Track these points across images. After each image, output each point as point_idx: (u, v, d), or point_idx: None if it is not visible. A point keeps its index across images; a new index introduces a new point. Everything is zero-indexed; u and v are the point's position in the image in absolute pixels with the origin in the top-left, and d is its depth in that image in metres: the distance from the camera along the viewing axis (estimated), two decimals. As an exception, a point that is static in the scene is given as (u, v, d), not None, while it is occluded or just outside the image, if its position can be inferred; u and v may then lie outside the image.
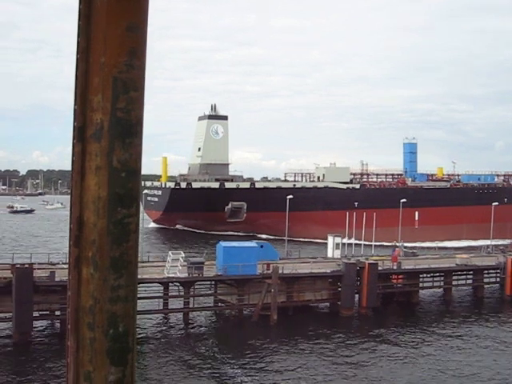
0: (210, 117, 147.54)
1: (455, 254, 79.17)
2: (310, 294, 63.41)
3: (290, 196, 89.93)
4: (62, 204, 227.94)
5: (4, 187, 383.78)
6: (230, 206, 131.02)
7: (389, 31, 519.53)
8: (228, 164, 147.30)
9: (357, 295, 63.68)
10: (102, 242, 2.61)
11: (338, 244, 77.24)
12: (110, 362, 2.65)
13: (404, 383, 43.25)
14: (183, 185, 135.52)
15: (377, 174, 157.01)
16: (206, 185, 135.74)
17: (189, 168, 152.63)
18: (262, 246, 66.03)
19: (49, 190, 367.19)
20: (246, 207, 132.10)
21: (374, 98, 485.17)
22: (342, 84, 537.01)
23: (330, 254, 76.18)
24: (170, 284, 59.28)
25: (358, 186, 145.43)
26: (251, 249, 61.75)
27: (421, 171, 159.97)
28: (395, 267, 68.80)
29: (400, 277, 70.40)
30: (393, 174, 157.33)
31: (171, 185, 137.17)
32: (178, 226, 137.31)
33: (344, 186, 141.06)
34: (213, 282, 62.19)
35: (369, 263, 64.60)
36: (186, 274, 58.46)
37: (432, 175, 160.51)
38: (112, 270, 2.62)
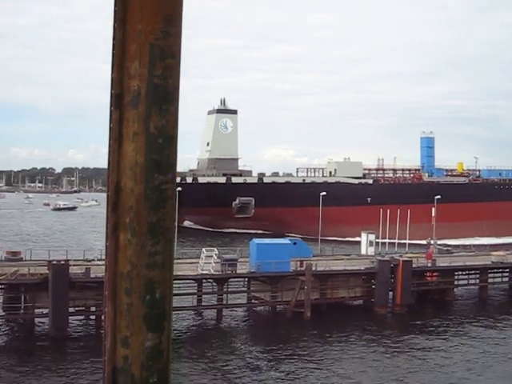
0: (219, 111, 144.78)
1: (491, 252, 78.15)
2: (343, 291, 63.18)
3: (324, 193, 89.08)
4: (96, 201, 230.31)
5: (40, 185, 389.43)
6: (237, 201, 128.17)
7: (424, 25, 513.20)
8: (237, 159, 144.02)
9: (391, 292, 63.25)
10: (140, 208, 2.63)
11: (371, 241, 76.84)
12: (146, 327, 2.66)
13: (437, 382, 42.87)
14: (189, 180, 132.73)
15: (393, 170, 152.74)
16: (212, 179, 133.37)
17: (198, 163, 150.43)
18: (295, 243, 65.96)
19: (84, 188, 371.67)
20: (253, 203, 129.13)
21: (408, 94, 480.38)
22: (374, 80, 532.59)
23: (363, 251, 75.84)
24: (204, 281, 59.57)
25: (370, 182, 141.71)
26: (284, 246, 61.76)
27: (445, 166, 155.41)
28: (430, 264, 68.26)
29: (435, 274, 69.79)
30: (410, 170, 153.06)
31: (178, 180, 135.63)
32: (185, 223, 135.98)
33: (356, 181, 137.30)
34: (246, 279, 62.34)
35: (403, 260, 64.11)
36: (220, 271, 58.67)
37: (451, 170, 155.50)
38: (149, 236, 2.64)
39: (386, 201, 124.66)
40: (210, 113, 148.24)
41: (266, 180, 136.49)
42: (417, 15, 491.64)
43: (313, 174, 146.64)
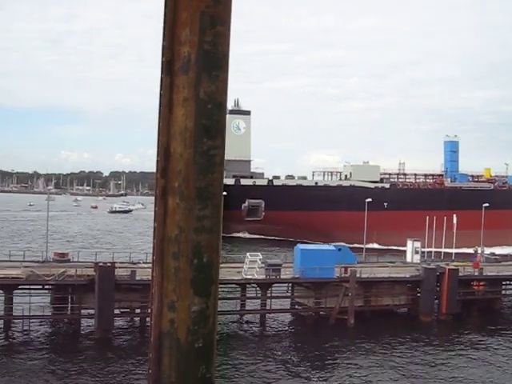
0: (232, 111, 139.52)
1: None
2: (387, 299, 62.53)
3: (369, 199, 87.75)
4: (142, 205, 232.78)
5: (88, 188, 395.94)
6: (246, 203, 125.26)
7: (473, 29, 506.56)
8: (250, 160, 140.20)
9: (436, 301, 62.38)
10: (188, 172, 2.66)
11: (417, 249, 75.94)
12: (193, 292, 2.68)
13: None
14: None
15: (415, 174, 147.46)
16: None
17: None
18: (339, 249, 65.57)
19: (130, 191, 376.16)
20: (263, 205, 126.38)
21: (456, 100, 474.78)
22: (421, 85, 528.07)
23: (408, 259, 75.02)
24: (248, 285, 59.64)
25: (387, 186, 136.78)
26: (329, 252, 61.44)
27: (471, 172, 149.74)
28: (477, 273, 67.17)
29: (481, 283, 68.63)
30: (433, 175, 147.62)
31: None
32: None
33: (372, 185, 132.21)
34: (290, 285, 62.20)
35: (449, 269, 63.23)
36: (264, 276, 58.66)
37: (478, 176, 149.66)
38: (197, 200, 2.66)
39: (403, 206, 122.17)
40: None
41: (276, 182, 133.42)
42: (465, 20, 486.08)
43: (329, 178, 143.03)
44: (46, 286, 53.59)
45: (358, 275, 59.14)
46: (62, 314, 53.77)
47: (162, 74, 2.71)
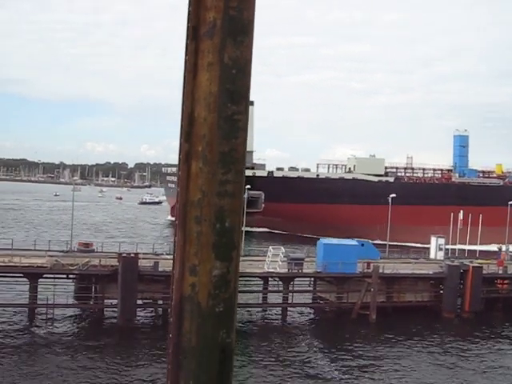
0: None
1: None
2: (410, 295, 62.28)
3: (394, 195, 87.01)
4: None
5: (113, 179, 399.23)
6: (246, 194, 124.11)
7: (500, 25, 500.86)
8: (252, 152, 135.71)
9: (459, 298, 61.98)
10: (212, 137, 2.68)
11: (441, 245, 75.46)
12: (215, 256, 2.71)
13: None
14: None
15: (423, 169, 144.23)
16: None
17: None
18: (362, 245, 65.37)
19: (155, 183, 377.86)
20: (263, 197, 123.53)
21: (482, 96, 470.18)
22: (446, 80, 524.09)
23: (432, 256, 74.60)
24: (270, 279, 59.76)
25: (392, 180, 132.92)
26: (352, 247, 61.30)
27: (481, 168, 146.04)
28: (501, 271, 66.64)
29: (506, 282, 68.05)
30: (442, 170, 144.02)
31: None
32: None
33: (375, 179, 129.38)
34: (312, 279, 62.22)
35: (473, 266, 62.81)
36: (286, 270, 58.73)
37: (489, 172, 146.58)
38: (220, 165, 2.69)
39: (408, 201, 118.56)
40: None
41: (276, 174, 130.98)
42: (491, 15, 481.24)
43: (334, 171, 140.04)
44: (70, 276, 54.20)
45: (380, 271, 58.96)
46: (85, 303, 54.28)
47: (187, 39, 2.73)
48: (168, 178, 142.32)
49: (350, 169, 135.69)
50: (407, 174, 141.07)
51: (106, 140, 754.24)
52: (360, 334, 53.49)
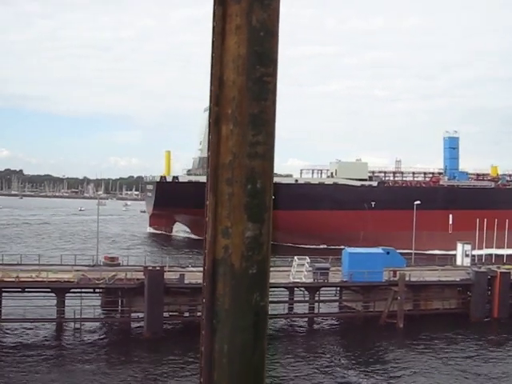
0: None
1: None
2: (437, 303, 61.74)
3: (418, 202, 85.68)
4: None
5: (137, 192, 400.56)
6: None
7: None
8: None
9: (487, 305, 61.29)
10: (242, 99, 2.71)
11: (467, 251, 74.70)
12: (247, 217, 2.72)
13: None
14: (169, 178, 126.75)
15: (413, 172, 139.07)
16: (194, 178, 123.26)
17: (193, 162, 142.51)
18: (388, 253, 64.89)
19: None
20: None
21: (506, 100, 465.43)
22: (470, 85, 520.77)
23: (458, 262, 73.89)
24: (295, 289, 59.56)
25: (375, 184, 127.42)
26: (377, 255, 60.92)
27: (474, 170, 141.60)
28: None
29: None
30: (433, 173, 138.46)
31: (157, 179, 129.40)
32: (174, 232, 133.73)
33: (358, 184, 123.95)
34: (338, 288, 61.93)
35: (500, 272, 62.13)
36: (312, 280, 58.51)
37: (484, 175, 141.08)
38: (251, 126, 2.71)
39: (392, 206, 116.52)
40: (205, 110, 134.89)
41: None
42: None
43: (319, 176, 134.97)
44: (97, 290, 54.42)
45: (406, 279, 58.53)
46: (112, 316, 54.48)
47: (214, 5, 2.77)
48: (148, 186, 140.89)
49: (332, 173, 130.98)
50: (396, 178, 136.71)
51: (129, 154, 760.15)
52: (387, 342, 53.03)
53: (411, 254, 74.07)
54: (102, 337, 51.79)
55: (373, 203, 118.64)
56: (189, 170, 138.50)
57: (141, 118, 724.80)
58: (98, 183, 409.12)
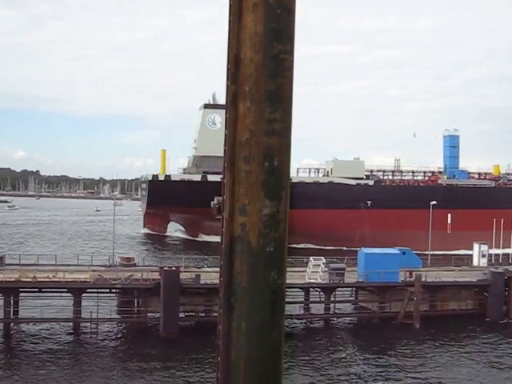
0: (206, 106, 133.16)
1: None
2: (454, 304, 61.41)
3: (434, 202, 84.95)
4: None
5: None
6: (215, 201, 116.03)
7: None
8: None
9: (504, 306, 60.86)
10: (259, 76, 2.71)
11: (483, 252, 74.23)
12: (264, 195, 2.73)
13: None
14: (161, 177, 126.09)
15: (413, 171, 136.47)
16: (186, 177, 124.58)
17: (188, 161, 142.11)
18: (404, 253, 64.65)
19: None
20: None
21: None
22: (485, 84, 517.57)
23: (475, 263, 73.46)
24: (311, 289, 59.46)
25: (371, 183, 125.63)
26: (393, 255, 60.71)
27: (477, 169, 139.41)
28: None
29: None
30: (433, 172, 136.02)
31: (150, 177, 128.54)
32: (168, 232, 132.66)
33: (353, 182, 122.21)
34: (354, 289, 61.78)
35: (518, 273, 61.74)
36: (327, 280, 58.39)
37: (485, 174, 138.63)
38: (268, 103, 2.72)
39: (389, 205, 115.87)
40: (200, 108, 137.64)
41: None
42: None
43: (316, 175, 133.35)
44: (113, 290, 54.59)
45: (423, 279, 58.26)
46: (128, 317, 54.62)
47: None
48: (143, 185, 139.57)
49: (328, 172, 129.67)
50: (396, 177, 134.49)
51: (145, 154, 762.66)
52: (403, 343, 52.76)
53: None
54: (118, 337, 51.97)
55: (369, 202, 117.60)
56: (184, 169, 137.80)
57: (156, 119, 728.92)
58: (113, 184, 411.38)
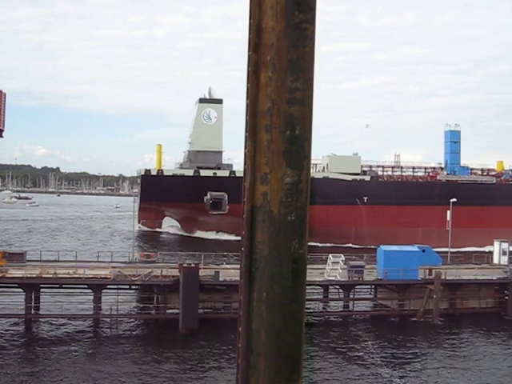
0: (202, 100, 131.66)
1: None
2: (474, 302, 60.99)
3: (454, 199, 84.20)
4: None
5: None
6: (208, 196, 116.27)
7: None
8: (221, 152, 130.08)
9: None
10: (280, 45, 2.71)
11: (504, 250, 73.60)
12: (286, 163, 2.73)
13: None
14: (154, 172, 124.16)
15: (413, 167, 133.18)
16: (178, 172, 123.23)
17: (183, 156, 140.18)
18: (423, 251, 64.31)
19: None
20: (227, 198, 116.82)
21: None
22: (508, 80, 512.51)
23: (495, 261, 72.89)
24: (330, 287, 59.36)
25: (368, 178, 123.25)
26: (413, 253, 60.40)
27: (479, 165, 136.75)
28: None
29: None
30: (434, 168, 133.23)
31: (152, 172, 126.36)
32: (163, 227, 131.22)
33: (349, 178, 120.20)
34: (373, 286, 61.58)
35: (539, 270, 61.16)
36: (347, 278, 58.26)
37: (489, 170, 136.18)
38: (289, 72, 2.72)
39: (386, 201, 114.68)
40: (196, 103, 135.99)
41: (238, 174, 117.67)
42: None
43: (313, 170, 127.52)
44: (133, 286, 54.86)
45: (442, 277, 57.92)
46: (147, 313, 54.85)
47: None
48: (138, 180, 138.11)
49: (323, 168, 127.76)
50: (395, 173, 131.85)
51: (164, 151, 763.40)
52: (423, 338, 52.52)
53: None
54: (137, 333, 52.17)
55: (365, 198, 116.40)
56: (181, 164, 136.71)
57: (175, 116, 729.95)
58: (133, 181, 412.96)
